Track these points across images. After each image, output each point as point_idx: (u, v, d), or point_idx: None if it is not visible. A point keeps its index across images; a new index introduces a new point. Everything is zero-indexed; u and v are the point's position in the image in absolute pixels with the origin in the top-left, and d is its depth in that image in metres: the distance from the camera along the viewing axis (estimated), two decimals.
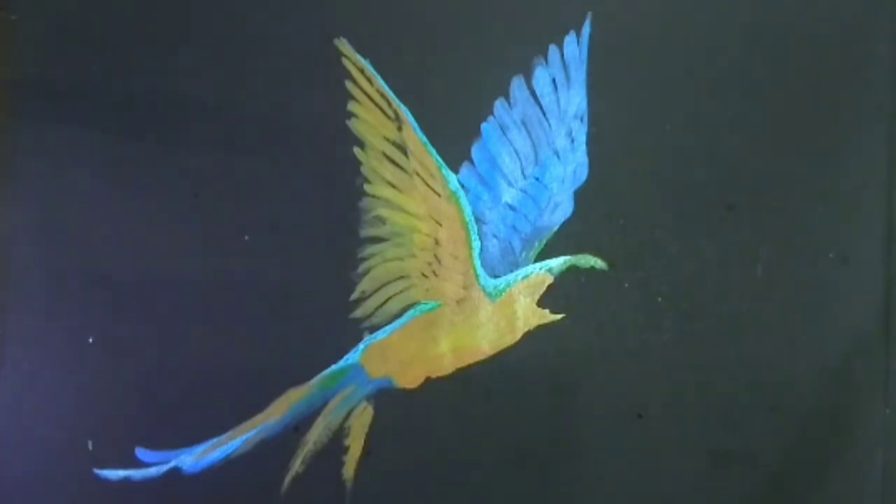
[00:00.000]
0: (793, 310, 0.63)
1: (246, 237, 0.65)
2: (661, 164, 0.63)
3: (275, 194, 0.65)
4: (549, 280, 0.63)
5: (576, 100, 0.63)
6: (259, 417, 0.64)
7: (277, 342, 0.65)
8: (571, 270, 0.63)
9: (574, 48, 0.63)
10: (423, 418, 0.64)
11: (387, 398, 0.64)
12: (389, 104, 0.63)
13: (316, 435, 0.64)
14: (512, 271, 0.63)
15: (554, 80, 0.63)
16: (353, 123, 0.64)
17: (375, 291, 0.64)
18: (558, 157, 0.63)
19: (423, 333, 0.64)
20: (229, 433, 0.64)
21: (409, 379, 0.64)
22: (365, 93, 0.63)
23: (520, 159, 0.64)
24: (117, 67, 0.65)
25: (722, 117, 0.63)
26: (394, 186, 0.64)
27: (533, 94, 0.63)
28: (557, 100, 0.63)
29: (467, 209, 0.63)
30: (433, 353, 0.64)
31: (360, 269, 0.64)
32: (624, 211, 0.63)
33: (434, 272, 0.64)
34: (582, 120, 0.63)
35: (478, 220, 0.64)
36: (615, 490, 0.64)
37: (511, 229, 0.64)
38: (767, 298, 0.63)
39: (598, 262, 0.63)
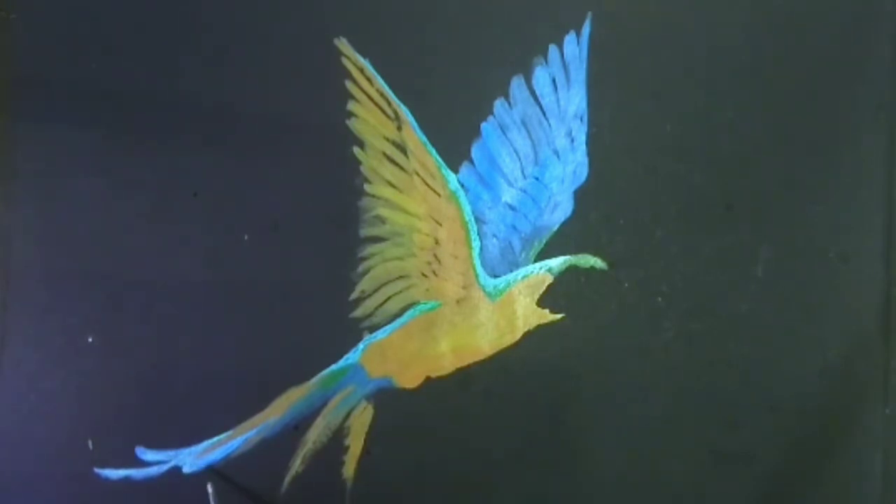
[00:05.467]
0: (793, 310, 0.63)
1: (246, 237, 0.65)
2: (660, 164, 0.63)
3: (275, 194, 0.65)
4: (549, 280, 0.63)
5: (576, 99, 0.63)
6: (259, 417, 0.64)
7: (277, 342, 0.65)
8: (571, 270, 0.63)
9: (574, 48, 0.63)
10: (423, 418, 0.64)
11: (387, 398, 0.64)
12: (389, 104, 0.63)
13: (316, 434, 0.64)
14: (512, 271, 0.63)
15: (554, 80, 0.63)
16: (353, 123, 0.64)
17: (375, 291, 0.64)
18: (558, 156, 0.63)
19: (422, 333, 0.64)
20: (229, 433, 0.64)
21: (409, 378, 0.64)
22: (365, 93, 0.63)
23: (520, 159, 0.64)
24: (117, 67, 0.65)
25: (722, 117, 0.63)
26: (394, 186, 0.64)
27: (533, 93, 0.63)
28: (557, 99, 0.63)
29: (467, 209, 0.63)
30: (433, 352, 0.64)
31: (360, 268, 0.64)
32: (624, 211, 0.63)
33: (434, 272, 0.64)
34: (582, 120, 0.63)
35: (477, 220, 0.64)
36: (615, 489, 0.64)
37: (511, 229, 0.64)
38: (767, 298, 0.63)
39: (598, 262, 0.63)
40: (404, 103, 0.64)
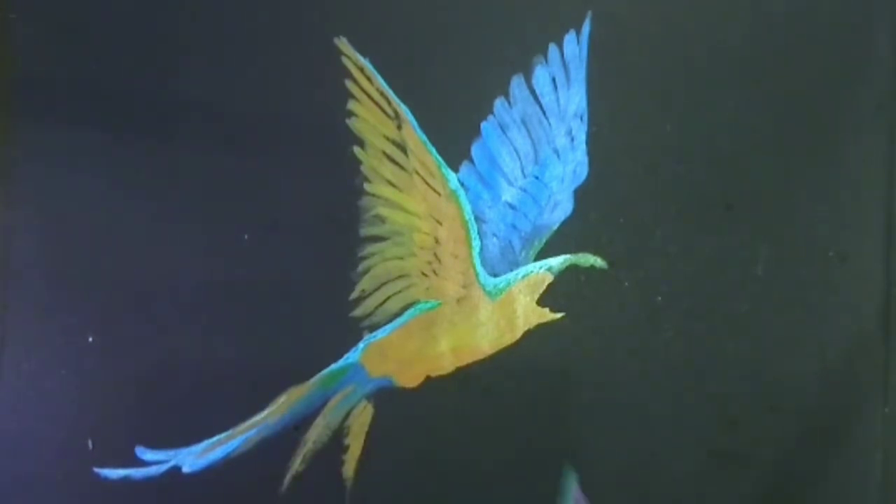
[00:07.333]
0: (793, 310, 0.63)
1: (245, 236, 0.65)
2: (660, 163, 0.63)
3: (274, 194, 0.65)
4: (549, 279, 0.63)
5: (576, 99, 0.63)
6: (259, 417, 0.64)
7: (277, 342, 0.64)
8: (571, 269, 0.63)
9: (574, 47, 0.63)
10: (423, 417, 0.64)
11: (387, 397, 0.64)
12: (389, 103, 0.63)
13: (316, 434, 0.64)
14: (512, 270, 0.63)
15: (554, 79, 0.63)
16: (352, 123, 0.64)
17: (375, 290, 0.64)
18: (558, 155, 0.63)
19: (422, 332, 0.64)
20: (229, 432, 0.64)
21: (409, 378, 0.64)
22: (365, 92, 0.63)
23: (520, 158, 0.64)
24: (117, 67, 0.65)
25: (722, 117, 0.63)
26: (394, 185, 0.64)
27: (533, 93, 0.63)
28: (557, 99, 0.63)
29: (467, 208, 0.63)
30: (433, 352, 0.64)
31: (360, 268, 0.64)
32: (624, 211, 0.63)
33: (434, 271, 0.64)
34: (582, 119, 0.63)
35: (478, 219, 0.64)
36: (614, 490, 0.64)
37: (511, 228, 0.64)
38: (767, 298, 0.63)
39: (598, 261, 0.63)
40: (404, 103, 0.64)
